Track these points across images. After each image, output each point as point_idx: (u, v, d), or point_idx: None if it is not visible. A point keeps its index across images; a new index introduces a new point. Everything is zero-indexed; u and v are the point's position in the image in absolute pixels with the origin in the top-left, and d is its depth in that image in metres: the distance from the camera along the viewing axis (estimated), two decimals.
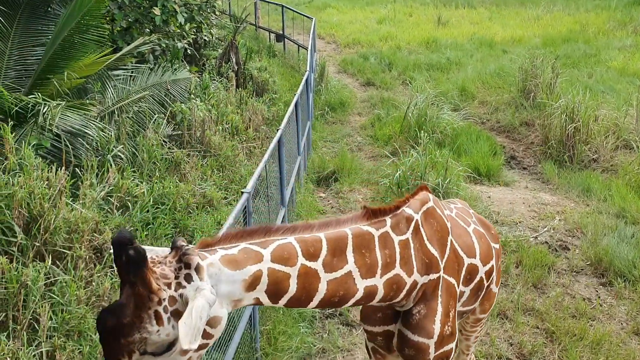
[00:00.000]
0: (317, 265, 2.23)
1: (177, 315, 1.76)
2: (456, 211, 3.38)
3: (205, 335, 1.89)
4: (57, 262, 5.15)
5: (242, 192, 4.73)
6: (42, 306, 4.60)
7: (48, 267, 4.88)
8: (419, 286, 2.68)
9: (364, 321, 3.02)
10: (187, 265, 1.84)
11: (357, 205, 8.80)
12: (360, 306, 2.86)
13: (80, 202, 5.80)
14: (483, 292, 3.30)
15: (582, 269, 7.03)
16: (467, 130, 11.40)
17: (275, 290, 2.13)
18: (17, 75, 7.26)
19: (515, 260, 7.08)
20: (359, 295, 2.42)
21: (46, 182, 5.44)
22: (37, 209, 5.22)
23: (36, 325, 4.77)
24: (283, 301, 2.18)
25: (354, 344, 6.80)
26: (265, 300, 2.13)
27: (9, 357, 4.24)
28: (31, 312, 4.73)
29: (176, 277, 1.81)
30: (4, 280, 4.67)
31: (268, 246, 2.11)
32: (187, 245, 1.92)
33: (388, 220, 2.58)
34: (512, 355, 5.44)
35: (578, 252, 7.40)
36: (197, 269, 1.84)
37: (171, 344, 1.77)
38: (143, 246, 1.80)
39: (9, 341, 4.38)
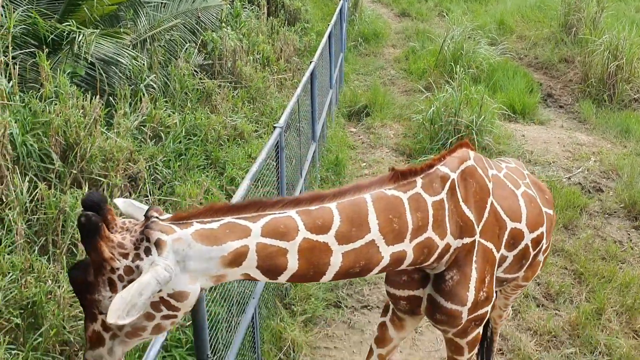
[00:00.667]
0: (328, 237, 2.07)
1: (133, 282, 1.73)
2: (506, 171, 3.09)
3: (172, 308, 1.86)
4: (93, 190, 5.27)
5: (275, 127, 4.70)
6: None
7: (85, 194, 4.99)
8: (452, 250, 2.54)
9: (388, 284, 2.89)
10: (147, 239, 1.80)
11: (388, 141, 8.73)
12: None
13: (115, 131, 5.85)
14: (529, 261, 3.08)
15: (615, 212, 6.94)
16: (503, 65, 11.06)
17: (270, 266, 2.00)
18: (49, 1, 7.20)
19: None
20: (384, 262, 2.27)
21: (81, 111, 5.48)
22: (73, 137, 5.29)
23: (74, 250, 4.95)
24: (284, 277, 2.04)
25: (380, 277, 6.92)
26: (259, 276, 2.01)
27: (50, 279, 4.42)
28: (70, 237, 4.89)
29: (136, 249, 1.79)
30: (43, 206, 4.81)
31: (259, 220, 1.98)
32: (156, 218, 1.86)
33: (419, 180, 2.41)
34: (539, 295, 5.48)
35: (612, 194, 7.28)
36: (157, 244, 1.79)
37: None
38: (129, 200, 1.91)
39: (49, 264, 4.56)
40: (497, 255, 2.78)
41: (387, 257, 2.26)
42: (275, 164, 4.67)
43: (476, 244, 2.61)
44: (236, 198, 3.48)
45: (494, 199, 2.76)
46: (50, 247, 4.81)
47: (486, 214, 2.67)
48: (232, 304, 3.90)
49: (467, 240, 2.57)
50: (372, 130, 9.04)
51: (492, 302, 2.76)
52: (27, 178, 4.91)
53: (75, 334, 4.38)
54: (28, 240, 4.74)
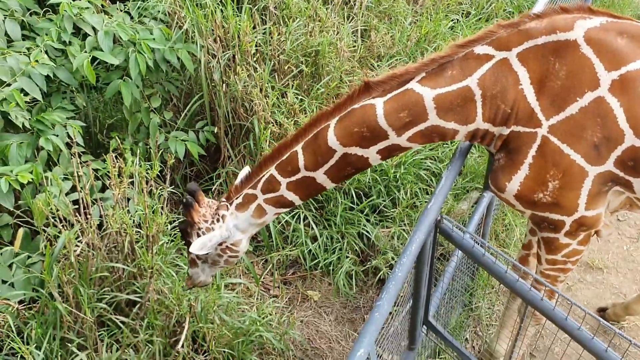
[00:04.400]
0: (302, 172, 2.48)
1: (208, 236, 2.64)
2: None
3: (233, 251, 2.76)
4: None
5: None
6: None
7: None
8: (494, 135, 2.31)
9: None
10: (217, 214, 2.69)
11: None
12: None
13: None
14: None
15: None
16: None
17: (282, 205, 2.63)
18: None
19: None
20: (375, 158, 2.39)
21: None
22: None
23: (352, 2, 4.80)
24: (297, 202, 2.63)
25: None
26: (281, 210, 2.68)
27: (332, 30, 4.37)
28: None
29: (212, 217, 2.68)
30: None
31: (257, 186, 2.60)
32: (224, 201, 2.71)
33: (422, 74, 2.22)
34: None
35: None
36: (222, 217, 2.67)
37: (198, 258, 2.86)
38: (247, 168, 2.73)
39: (330, 15, 4.47)
40: (589, 168, 2.20)
41: (374, 155, 2.38)
42: None
43: (538, 137, 2.20)
44: None
45: (614, 95, 2.10)
46: None
47: (572, 110, 2.13)
48: None
49: (521, 129, 2.23)
50: None
51: (574, 215, 2.32)
52: None
53: (350, 88, 4.44)
54: None
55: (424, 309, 2.56)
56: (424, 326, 2.73)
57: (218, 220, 2.67)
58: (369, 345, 1.73)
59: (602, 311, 3.74)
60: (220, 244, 2.72)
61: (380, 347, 3.65)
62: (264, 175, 2.58)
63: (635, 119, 2.11)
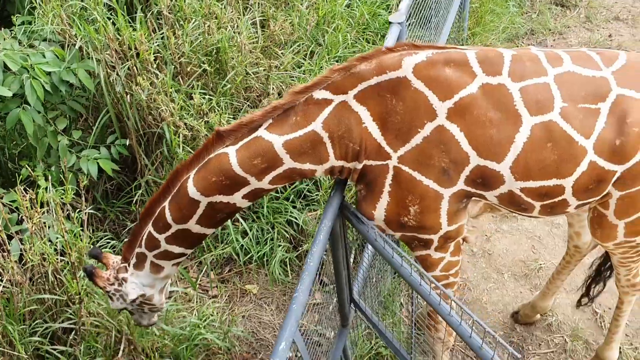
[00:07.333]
0: (192, 220, 2.50)
1: (120, 297, 2.74)
2: (548, 80, 2.29)
3: (148, 304, 2.84)
4: None
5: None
6: None
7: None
8: (349, 169, 2.41)
9: None
10: (118, 277, 2.72)
11: None
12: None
13: None
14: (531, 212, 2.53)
15: None
16: None
17: (172, 256, 2.66)
18: None
19: None
20: (242, 202, 2.47)
21: None
22: None
23: None
24: (187, 252, 2.69)
25: (567, 26, 6.22)
26: (178, 261, 2.73)
27: (230, 25, 4.39)
28: None
29: (116, 279, 2.71)
30: None
31: (142, 244, 2.63)
32: (119, 264, 2.74)
33: (267, 122, 2.33)
34: None
35: None
36: (124, 279, 2.71)
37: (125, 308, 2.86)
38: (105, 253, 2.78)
39: (225, 11, 4.49)
40: (443, 190, 2.35)
41: (240, 200, 2.43)
42: None
43: (390, 168, 2.33)
44: None
45: (453, 122, 2.26)
46: None
47: (416, 140, 2.27)
48: None
49: (372, 162, 2.35)
50: None
51: (439, 232, 2.46)
52: None
53: (257, 79, 4.50)
54: None
55: (348, 288, 2.69)
56: (351, 304, 2.86)
57: (121, 284, 2.71)
58: (290, 337, 1.84)
59: (515, 314, 3.82)
60: (134, 300, 2.75)
61: (321, 325, 3.79)
62: (144, 233, 2.61)
63: (476, 140, 2.27)
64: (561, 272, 3.49)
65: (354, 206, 2.50)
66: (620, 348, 3.46)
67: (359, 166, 2.37)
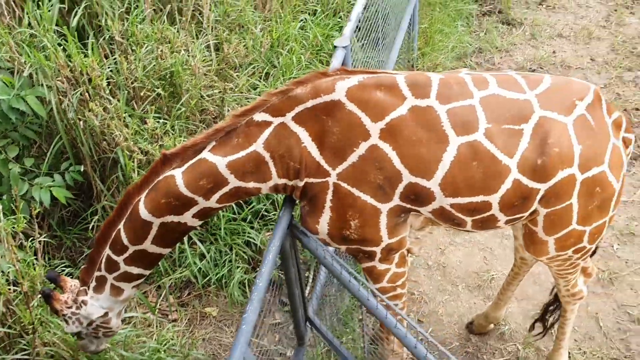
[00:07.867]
0: (134, 247, 2.59)
1: (77, 320, 2.77)
2: (474, 103, 2.41)
3: (104, 328, 2.87)
4: None
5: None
6: None
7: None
8: (290, 187, 2.52)
9: None
10: (77, 301, 2.76)
11: None
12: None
13: None
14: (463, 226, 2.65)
15: None
16: None
17: (131, 278, 2.71)
18: None
19: None
20: (194, 222, 2.55)
21: None
22: None
23: (199, 17, 4.87)
24: (146, 272, 2.74)
25: (514, 44, 6.46)
26: (137, 283, 2.77)
27: (183, 49, 4.43)
28: (193, 3, 4.79)
29: (74, 302, 2.74)
30: None
31: (101, 267, 2.68)
32: (77, 288, 2.78)
33: (210, 144, 2.43)
34: None
35: None
36: (83, 302, 2.74)
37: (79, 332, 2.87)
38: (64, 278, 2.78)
39: (179, 35, 4.54)
40: (380, 205, 2.46)
41: (190, 219, 2.52)
42: None
43: (330, 185, 2.44)
44: None
45: (385, 142, 2.38)
46: (176, 15, 4.74)
47: (352, 158, 2.39)
48: None
49: (313, 180, 2.45)
50: None
51: (381, 244, 2.57)
52: None
53: (212, 102, 4.53)
54: (155, 9, 4.68)
55: (302, 307, 2.74)
56: (307, 323, 2.91)
57: (79, 308, 2.75)
58: (240, 356, 1.87)
59: (470, 325, 3.90)
60: (90, 324, 2.79)
61: (281, 344, 3.81)
62: (103, 257, 2.67)
63: (407, 158, 2.39)
64: (511, 283, 3.61)
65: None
66: (569, 353, 3.60)
67: (301, 183, 2.46)
